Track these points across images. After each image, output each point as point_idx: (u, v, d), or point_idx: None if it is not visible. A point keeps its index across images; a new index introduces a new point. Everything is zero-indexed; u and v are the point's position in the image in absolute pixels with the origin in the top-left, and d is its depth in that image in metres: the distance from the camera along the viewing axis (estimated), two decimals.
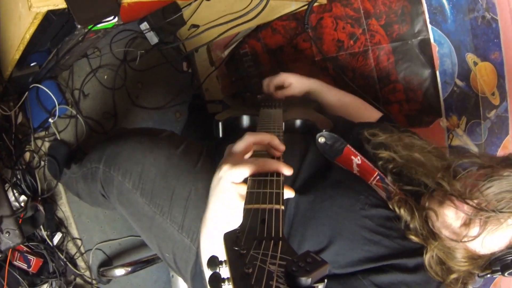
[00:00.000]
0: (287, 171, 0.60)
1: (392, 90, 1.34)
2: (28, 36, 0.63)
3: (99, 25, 0.74)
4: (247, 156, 0.65)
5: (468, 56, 1.20)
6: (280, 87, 1.17)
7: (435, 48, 1.23)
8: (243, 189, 0.58)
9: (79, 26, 0.57)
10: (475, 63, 1.20)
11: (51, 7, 0.55)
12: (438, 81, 1.25)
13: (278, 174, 0.61)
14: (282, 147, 0.67)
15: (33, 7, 0.53)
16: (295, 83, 1.15)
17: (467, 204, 0.71)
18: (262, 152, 0.69)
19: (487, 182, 0.71)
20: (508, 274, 0.70)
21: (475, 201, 0.70)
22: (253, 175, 0.59)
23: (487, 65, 1.20)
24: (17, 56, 0.72)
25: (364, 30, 1.32)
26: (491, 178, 0.72)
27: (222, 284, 0.39)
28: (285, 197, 0.58)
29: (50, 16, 0.64)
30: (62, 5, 0.56)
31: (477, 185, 0.72)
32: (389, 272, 0.69)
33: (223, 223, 0.62)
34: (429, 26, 1.22)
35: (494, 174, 0.72)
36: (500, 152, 1.23)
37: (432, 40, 1.23)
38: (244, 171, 0.58)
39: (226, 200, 0.60)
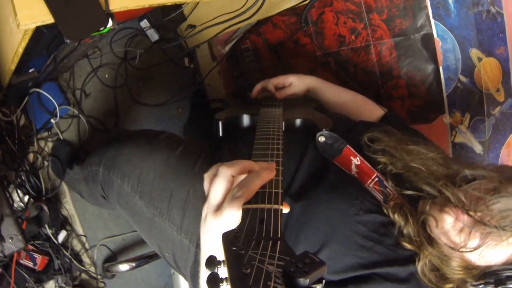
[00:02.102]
0: (271, 173, 0.56)
1: (394, 86, 1.32)
2: (21, 50, 0.63)
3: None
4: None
5: (472, 52, 1.18)
6: (280, 88, 1.16)
7: (438, 43, 1.20)
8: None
9: (68, 42, 0.57)
10: (480, 59, 1.18)
11: (39, 24, 0.55)
12: (441, 76, 1.23)
13: (277, 174, 0.60)
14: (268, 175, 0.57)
15: (21, 25, 0.53)
16: (295, 81, 1.15)
17: (470, 216, 0.70)
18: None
19: (494, 197, 0.70)
20: None
21: (479, 214, 0.69)
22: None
23: (492, 61, 1.17)
24: (13, 67, 0.73)
25: (366, 25, 1.29)
26: (499, 194, 0.70)
27: (220, 284, 0.40)
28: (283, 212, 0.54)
29: (41, 29, 0.64)
30: (50, 20, 0.56)
31: (483, 198, 0.71)
32: (380, 282, 0.70)
33: None
34: (432, 20, 1.19)
35: (502, 190, 0.71)
36: (504, 150, 1.21)
37: (435, 35, 1.20)
38: (233, 220, 0.51)
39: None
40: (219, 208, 0.53)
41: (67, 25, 0.57)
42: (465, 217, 0.71)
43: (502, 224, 0.67)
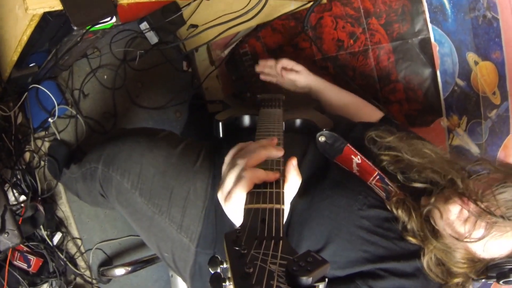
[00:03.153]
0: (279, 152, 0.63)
1: (392, 90, 1.34)
2: (25, 38, 0.63)
3: (97, 26, 0.74)
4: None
5: (469, 56, 1.20)
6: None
7: (435, 48, 1.23)
8: None
9: (75, 28, 0.57)
10: (476, 63, 1.20)
11: (48, 9, 0.55)
12: (438, 80, 1.25)
13: (278, 163, 0.61)
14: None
15: (30, 9, 0.53)
16: (303, 71, 1.17)
17: (477, 205, 0.70)
18: None
19: (500, 187, 0.71)
20: (503, 282, 0.70)
21: (485, 203, 0.70)
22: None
23: (488, 65, 1.19)
24: (15, 58, 0.72)
25: (364, 29, 1.31)
26: (505, 184, 0.71)
27: (223, 284, 0.40)
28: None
29: (47, 18, 0.64)
30: (58, 7, 0.56)
31: (490, 188, 0.72)
32: (388, 278, 0.69)
33: None
34: (430, 25, 1.21)
35: (508, 181, 0.72)
36: (501, 153, 1.23)
37: (432, 40, 1.22)
38: (243, 195, 0.57)
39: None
40: (229, 193, 0.58)
41: (75, 12, 0.57)
42: (471, 207, 0.71)
43: (508, 215, 0.68)
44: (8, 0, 0.62)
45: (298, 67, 1.17)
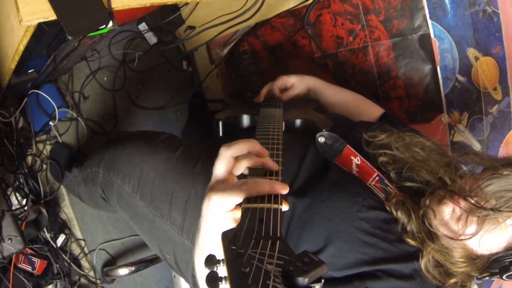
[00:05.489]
0: (283, 190, 0.54)
1: (392, 86, 1.33)
2: (22, 48, 0.63)
3: (93, 32, 0.74)
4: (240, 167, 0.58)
5: (469, 51, 1.19)
6: (284, 89, 1.17)
7: (435, 43, 1.22)
8: (238, 213, 0.53)
9: (70, 38, 0.57)
10: (476, 58, 1.19)
11: (42, 20, 0.55)
12: (439, 76, 1.24)
13: (277, 173, 0.60)
14: (265, 152, 0.60)
15: (24, 21, 0.53)
16: (296, 82, 1.16)
17: (466, 201, 0.71)
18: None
19: (486, 180, 0.71)
20: (506, 277, 0.70)
21: (475, 198, 0.70)
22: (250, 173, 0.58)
23: (489, 60, 1.18)
24: (13, 66, 0.73)
25: (363, 26, 1.30)
26: (492, 176, 0.72)
27: (219, 283, 0.39)
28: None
29: (43, 27, 0.64)
30: (53, 17, 0.56)
31: (477, 182, 0.72)
32: (385, 279, 0.69)
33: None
34: (429, 21, 1.20)
35: (494, 173, 0.72)
36: (503, 148, 1.22)
37: (432, 35, 1.21)
38: (234, 200, 0.52)
39: (220, 227, 0.54)
40: (222, 185, 0.54)
41: (69, 21, 0.57)
42: (461, 204, 0.71)
43: (497, 206, 0.68)
44: (3, 10, 0.62)
45: (290, 80, 1.16)
